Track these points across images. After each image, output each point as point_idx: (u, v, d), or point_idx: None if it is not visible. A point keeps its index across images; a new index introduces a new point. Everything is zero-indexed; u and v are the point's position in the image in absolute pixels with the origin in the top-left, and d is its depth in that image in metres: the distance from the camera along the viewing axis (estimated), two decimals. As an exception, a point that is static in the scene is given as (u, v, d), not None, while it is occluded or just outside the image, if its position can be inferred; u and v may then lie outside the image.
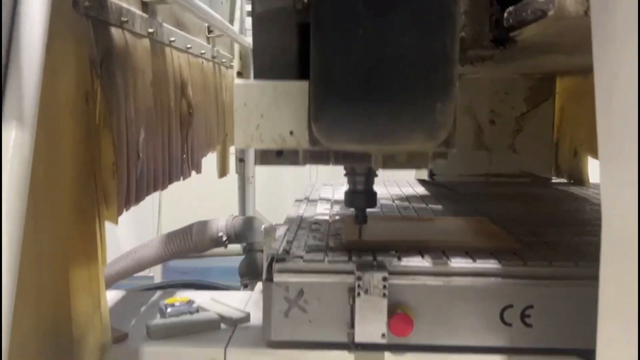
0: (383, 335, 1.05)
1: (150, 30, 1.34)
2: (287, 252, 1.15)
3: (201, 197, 2.10)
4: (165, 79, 1.47)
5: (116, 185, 1.07)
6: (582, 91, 2.14)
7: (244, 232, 1.80)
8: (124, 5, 1.19)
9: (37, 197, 0.82)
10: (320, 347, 1.09)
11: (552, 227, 1.42)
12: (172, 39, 1.53)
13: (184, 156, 1.64)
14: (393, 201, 1.80)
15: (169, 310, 1.25)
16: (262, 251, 1.46)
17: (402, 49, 0.67)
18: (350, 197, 1.13)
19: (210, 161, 2.26)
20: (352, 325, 1.05)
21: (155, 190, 1.40)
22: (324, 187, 2.02)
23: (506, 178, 2.22)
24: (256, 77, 0.74)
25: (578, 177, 2.22)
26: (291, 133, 0.74)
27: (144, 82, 1.29)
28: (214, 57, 2.04)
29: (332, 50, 0.67)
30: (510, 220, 1.46)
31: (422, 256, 1.11)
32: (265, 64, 0.72)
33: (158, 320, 1.23)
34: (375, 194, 1.13)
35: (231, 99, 2.37)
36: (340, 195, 1.84)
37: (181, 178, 1.65)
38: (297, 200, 1.82)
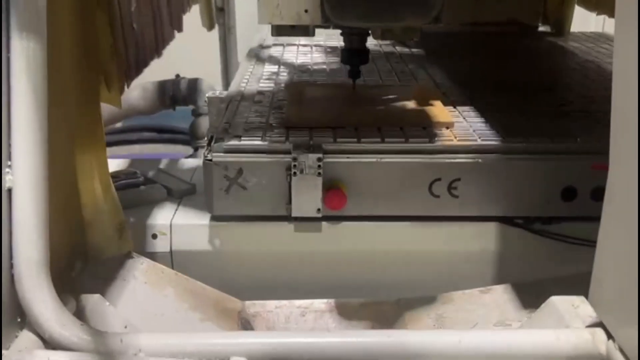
0: (318, 210, 1.11)
1: None
2: (226, 130, 1.18)
3: (181, 55, 1.99)
4: None
5: (116, 67, 1.04)
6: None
7: (191, 94, 1.79)
8: None
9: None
10: (261, 219, 1.16)
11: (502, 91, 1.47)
12: None
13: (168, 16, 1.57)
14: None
15: (115, 183, 1.28)
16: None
17: None
18: (347, 55, 1.22)
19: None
20: (290, 202, 1.12)
21: (151, 59, 1.37)
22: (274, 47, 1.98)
23: (493, 27, 2.20)
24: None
25: (561, 26, 2.24)
26: (306, 11, 0.89)
27: None
28: None
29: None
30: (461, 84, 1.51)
31: (358, 140, 1.14)
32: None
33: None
34: (368, 51, 1.21)
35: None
36: (288, 57, 1.83)
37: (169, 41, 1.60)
38: (247, 55, 1.82)
